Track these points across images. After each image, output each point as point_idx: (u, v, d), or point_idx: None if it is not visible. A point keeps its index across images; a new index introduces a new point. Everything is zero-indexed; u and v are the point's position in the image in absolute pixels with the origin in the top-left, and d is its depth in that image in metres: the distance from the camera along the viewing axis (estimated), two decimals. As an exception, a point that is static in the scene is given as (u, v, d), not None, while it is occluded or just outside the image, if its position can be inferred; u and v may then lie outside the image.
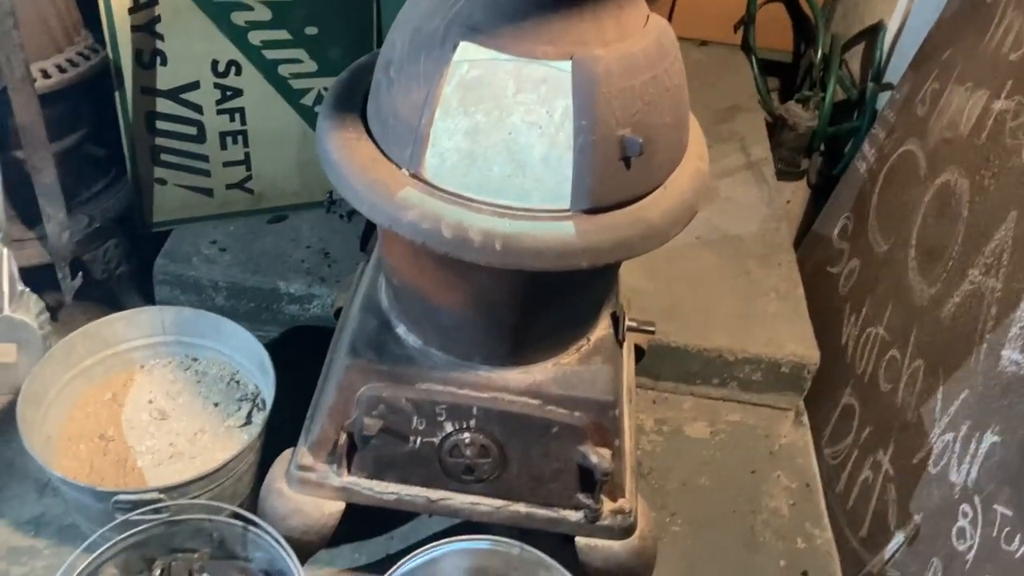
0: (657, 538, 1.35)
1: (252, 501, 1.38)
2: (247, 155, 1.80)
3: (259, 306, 1.77)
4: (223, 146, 1.77)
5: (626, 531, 1.26)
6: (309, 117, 1.79)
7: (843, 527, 1.59)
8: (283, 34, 1.69)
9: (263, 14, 1.65)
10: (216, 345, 1.57)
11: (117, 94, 1.63)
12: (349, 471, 1.25)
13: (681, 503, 1.64)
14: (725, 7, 2.56)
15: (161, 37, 1.62)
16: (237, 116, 1.75)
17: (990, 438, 1.25)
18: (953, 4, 1.78)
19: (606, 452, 1.18)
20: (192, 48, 1.65)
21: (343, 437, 1.21)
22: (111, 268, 1.74)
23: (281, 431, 1.37)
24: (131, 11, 1.57)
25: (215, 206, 1.83)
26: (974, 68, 1.61)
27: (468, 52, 0.96)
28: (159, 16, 1.60)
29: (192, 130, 1.73)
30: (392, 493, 1.26)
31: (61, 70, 1.52)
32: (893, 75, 2.14)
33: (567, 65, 0.95)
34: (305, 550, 1.27)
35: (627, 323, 1.30)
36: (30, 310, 1.55)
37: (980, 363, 1.32)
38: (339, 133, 1.07)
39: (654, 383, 1.82)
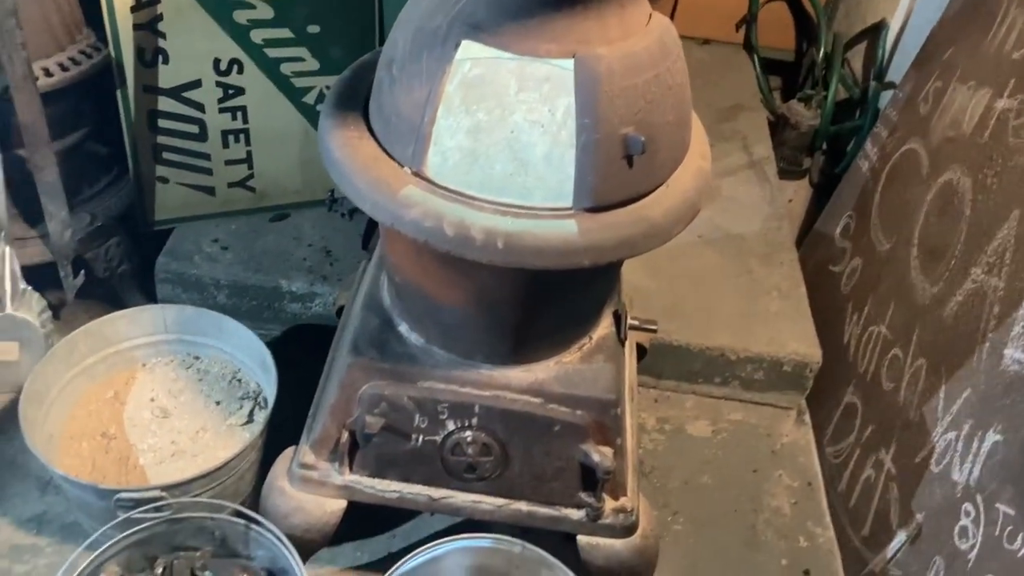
0: (659, 537, 1.35)
1: (254, 499, 1.38)
2: (249, 153, 1.80)
3: (261, 304, 1.77)
4: (225, 144, 1.77)
5: (628, 530, 1.26)
6: (311, 115, 1.79)
7: (845, 526, 1.59)
8: (285, 32, 1.68)
9: (265, 12, 1.65)
10: (218, 343, 1.57)
11: (119, 92, 1.63)
12: (351, 469, 1.25)
13: (683, 502, 1.64)
14: (727, 6, 2.56)
15: (163, 35, 1.62)
16: (239, 114, 1.75)
17: (992, 437, 1.25)
18: (956, 3, 1.77)
19: (608, 451, 1.18)
20: (194, 46, 1.65)
21: (345, 435, 1.21)
22: (113, 266, 1.74)
23: (283, 429, 1.37)
24: (133, 9, 1.57)
25: (217, 204, 1.83)
26: (977, 67, 1.60)
27: (470, 50, 0.96)
28: (161, 14, 1.60)
29: (194, 128, 1.73)
30: (394, 491, 1.26)
31: (63, 68, 1.52)
32: (895, 74, 2.13)
33: (569, 63, 0.95)
34: (307, 548, 1.27)
35: (629, 322, 1.30)
36: (32, 308, 1.55)
37: (982, 362, 1.31)
38: (341, 131, 1.07)
39: (656, 382, 1.82)
